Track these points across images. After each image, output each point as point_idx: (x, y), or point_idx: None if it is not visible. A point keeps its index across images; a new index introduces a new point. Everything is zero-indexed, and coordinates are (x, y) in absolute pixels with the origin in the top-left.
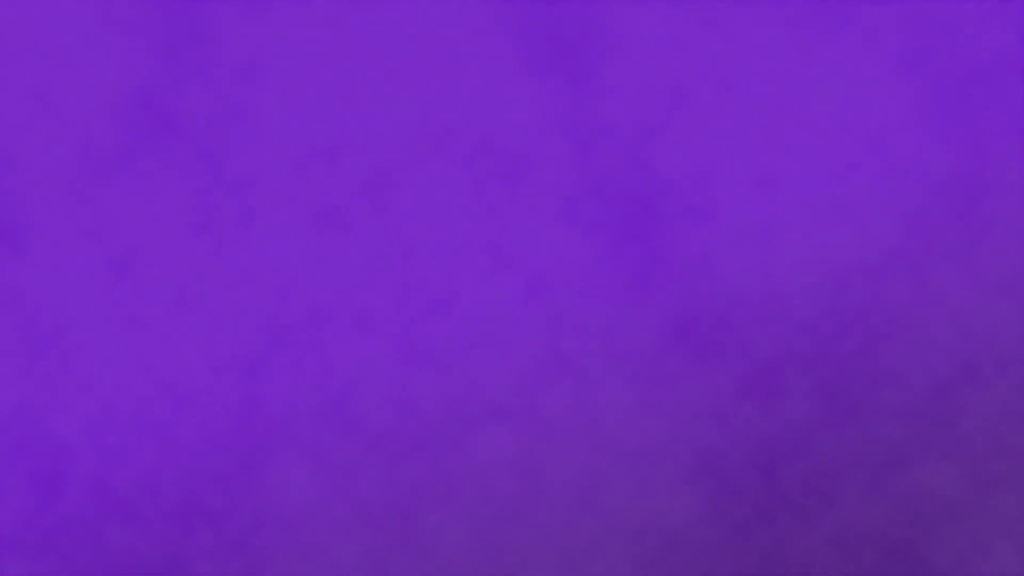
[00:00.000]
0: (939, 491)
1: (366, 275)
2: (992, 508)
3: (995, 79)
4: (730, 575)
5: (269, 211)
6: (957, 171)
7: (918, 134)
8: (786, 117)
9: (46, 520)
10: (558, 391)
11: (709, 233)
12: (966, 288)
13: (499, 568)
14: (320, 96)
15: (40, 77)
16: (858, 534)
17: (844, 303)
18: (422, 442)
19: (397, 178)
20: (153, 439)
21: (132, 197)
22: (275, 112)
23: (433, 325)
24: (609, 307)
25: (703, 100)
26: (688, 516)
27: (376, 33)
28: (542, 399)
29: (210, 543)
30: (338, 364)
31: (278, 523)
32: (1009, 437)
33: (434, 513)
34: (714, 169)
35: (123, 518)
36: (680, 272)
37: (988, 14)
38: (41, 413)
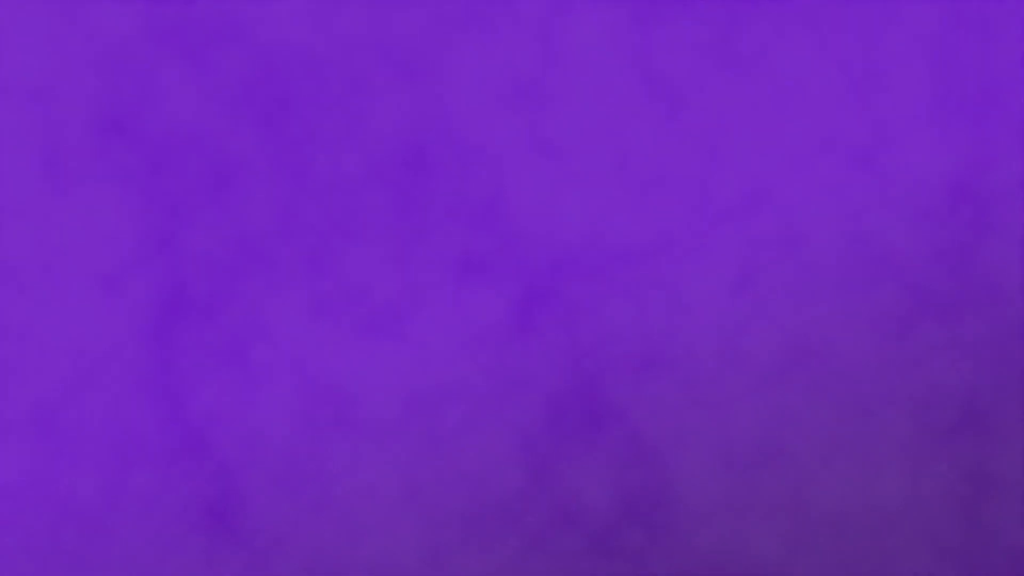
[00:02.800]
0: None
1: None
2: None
3: (1000, 80)
4: None
5: (268, 216)
6: (962, 174)
7: (920, 136)
8: (786, 119)
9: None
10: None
11: (706, 240)
12: (967, 301)
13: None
14: (315, 101)
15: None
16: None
17: (847, 306)
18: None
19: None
20: (151, 440)
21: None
22: (271, 114)
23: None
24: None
25: (704, 97)
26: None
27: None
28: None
29: (208, 544)
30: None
31: (279, 523)
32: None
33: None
34: (710, 180)
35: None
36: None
37: (991, 15)
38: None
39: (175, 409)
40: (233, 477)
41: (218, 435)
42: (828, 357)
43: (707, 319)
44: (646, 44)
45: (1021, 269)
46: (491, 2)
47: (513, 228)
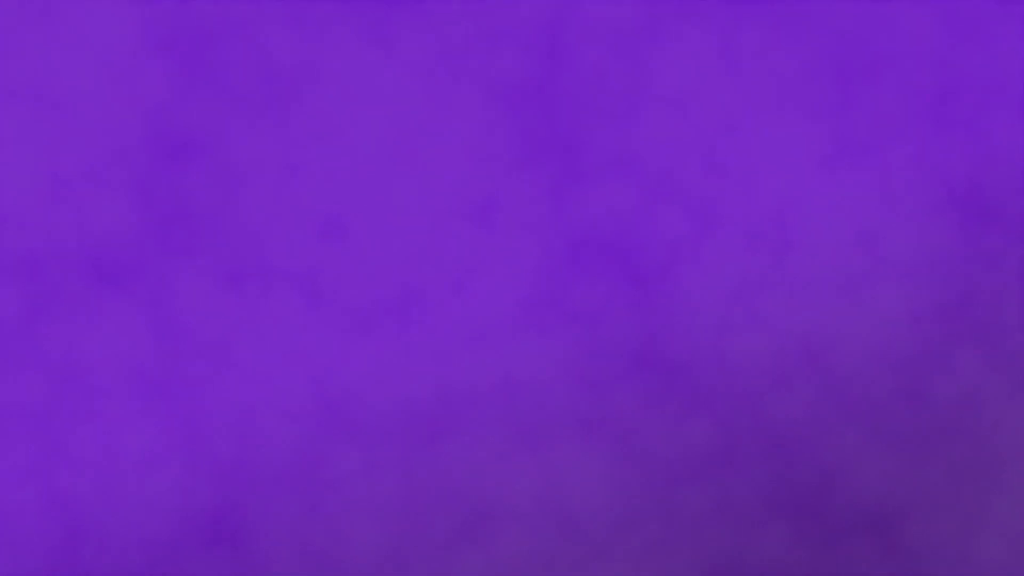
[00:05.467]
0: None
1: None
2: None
3: (1001, 80)
4: None
5: (274, 220)
6: (962, 174)
7: (920, 136)
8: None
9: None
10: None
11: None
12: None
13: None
14: (321, 114)
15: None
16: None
17: (851, 317)
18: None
19: (396, 188)
20: (150, 443)
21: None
22: (274, 121)
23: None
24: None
25: (704, 98)
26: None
27: (378, 90)
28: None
29: (203, 542)
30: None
31: (278, 523)
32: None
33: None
34: (711, 177)
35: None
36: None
37: (993, 15)
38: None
39: (173, 410)
40: (232, 478)
41: (216, 436)
42: (829, 357)
43: (707, 320)
44: (645, 44)
45: (1022, 269)
46: (492, 2)
47: (512, 229)
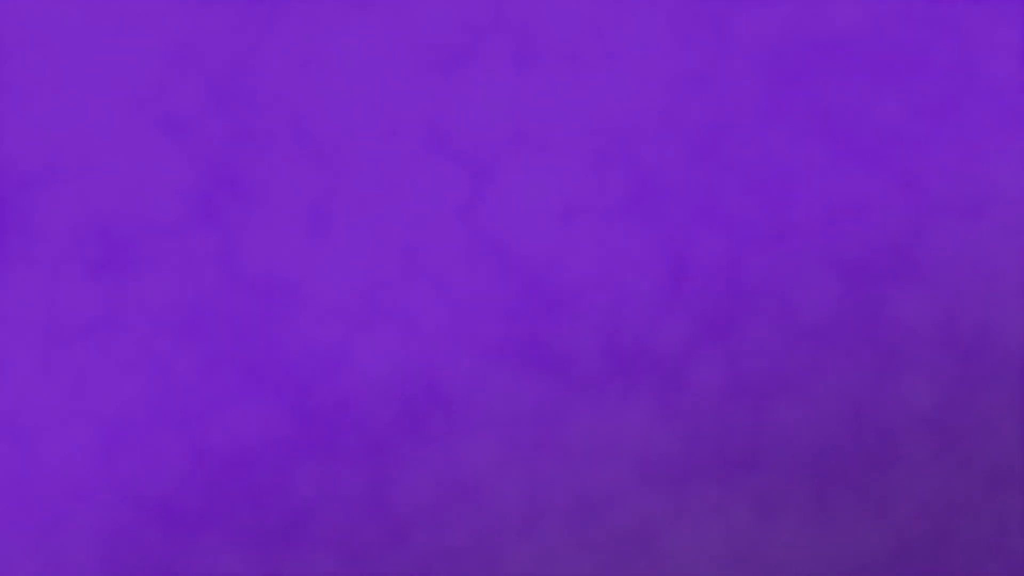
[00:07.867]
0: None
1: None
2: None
3: (998, 81)
4: None
5: (266, 211)
6: (961, 173)
7: (919, 135)
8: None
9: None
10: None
11: (708, 236)
12: (964, 291)
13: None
14: (316, 99)
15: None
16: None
17: (844, 306)
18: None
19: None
20: (147, 445)
21: (126, 194)
22: (270, 112)
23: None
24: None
25: (700, 95)
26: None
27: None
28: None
29: (202, 543)
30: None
31: (276, 523)
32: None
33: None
34: (713, 173)
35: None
36: (686, 272)
37: (989, 16)
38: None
39: (173, 407)
40: (232, 475)
41: (217, 433)
42: (828, 355)
43: (700, 317)
44: (643, 41)
45: (1021, 269)
46: (490, 5)
47: (508, 222)
